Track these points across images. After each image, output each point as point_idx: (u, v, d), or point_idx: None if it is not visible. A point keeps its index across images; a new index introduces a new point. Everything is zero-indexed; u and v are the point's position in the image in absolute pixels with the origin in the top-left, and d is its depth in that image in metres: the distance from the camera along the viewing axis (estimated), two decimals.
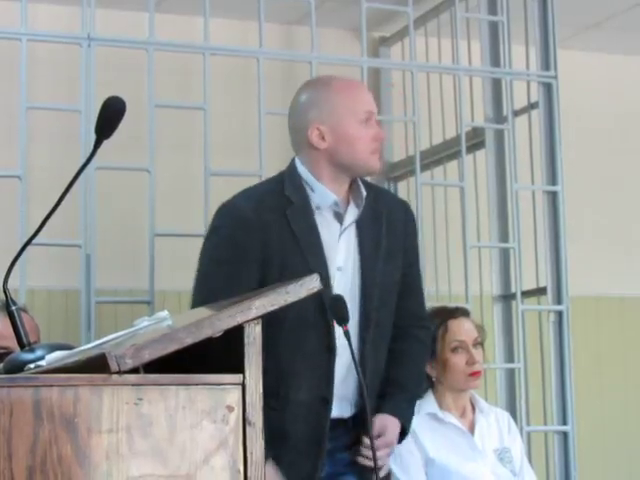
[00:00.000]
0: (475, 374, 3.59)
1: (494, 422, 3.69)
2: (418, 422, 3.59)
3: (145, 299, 3.76)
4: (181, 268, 4.36)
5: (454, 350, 3.60)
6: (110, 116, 1.88)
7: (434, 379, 3.66)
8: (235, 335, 1.56)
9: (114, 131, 1.87)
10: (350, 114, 2.97)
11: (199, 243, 3.80)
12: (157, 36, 3.87)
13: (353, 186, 3.07)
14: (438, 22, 4.63)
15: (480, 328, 3.71)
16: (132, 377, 1.47)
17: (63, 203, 1.90)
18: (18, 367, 1.77)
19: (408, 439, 3.50)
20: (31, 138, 3.73)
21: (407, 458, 3.52)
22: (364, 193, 3.04)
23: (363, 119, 3.01)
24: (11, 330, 1.91)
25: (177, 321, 1.72)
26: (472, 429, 3.63)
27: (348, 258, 3.03)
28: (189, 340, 1.49)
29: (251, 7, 4.07)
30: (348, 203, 3.05)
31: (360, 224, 3.05)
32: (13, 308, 1.90)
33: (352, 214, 3.04)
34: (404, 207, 3.23)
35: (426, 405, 3.63)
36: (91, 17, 3.78)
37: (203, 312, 1.81)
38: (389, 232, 3.09)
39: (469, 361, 3.58)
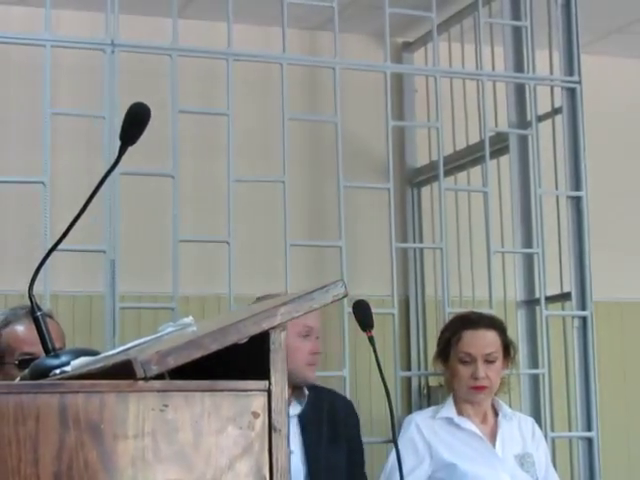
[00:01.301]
0: (477, 388, 3.58)
1: (517, 428, 3.68)
2: (431, 426, 3.59)
3: (169, 305, 3.76)
4: (204, 274, 4.39)
5: (461, 361, 3.60)
6: (135, 122, 1.87)
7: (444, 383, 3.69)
8: (260, 340, 1.56)
9: (139, 137, 1.87)
10: (291, 329, 3.20)
11: (223, 249, 3.82)
12: (180, 42, 3.87)
13: (295, 391, 3.47)
14: (461, 27, 4.62)
15: (508, 344, 3.67)
16: (157, 383, 1.46)
17: (87, 208, 1.90)
18: (43, 373, 1.77)
19: (420, 456, 3.51)
20: (55, 144, 3.74)
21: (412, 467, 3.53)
22: (306, 392, 3.46)
23: (303, 332, 3.41)
24: (37, 336, 1.91)
25: (201, 327, 1.71)
26: (494, 434, 3.62)
27: (294, 445, 3.37)
28: (214, 346, 1.49)
29: (274, 13, 4.08)
30: (290, 403, 3.40)
31: (302, 418, 3.45)
32: (38, 314, 1.90)
33: (295, 409, 3.45)
34: (344, 401, 3.66)
35: (444, 410, 3.63)
36: (115, 23, 3.79)
37: (227, 318, 1.80)
38: (330, 420, 3.51)
39: (473, 375, 3.57)
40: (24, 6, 4.27)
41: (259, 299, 3.39)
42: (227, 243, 3.80)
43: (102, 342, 3.62)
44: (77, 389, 1.44)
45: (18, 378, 1.96)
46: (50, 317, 2.69)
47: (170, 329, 1.75)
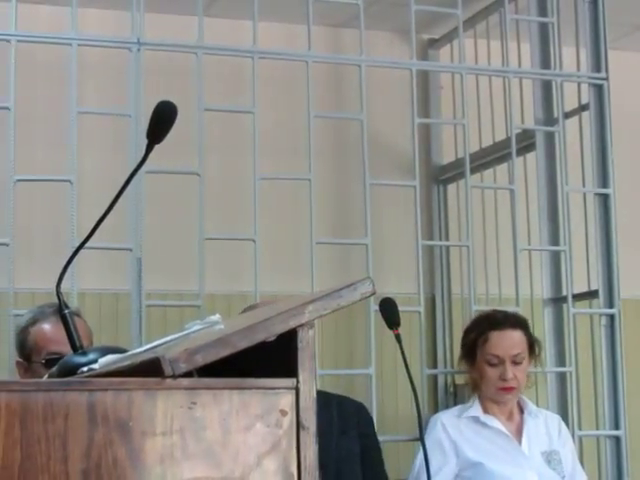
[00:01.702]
0: (506, 390, 3.57)
1: (543, 425, 3.67)
2: (457, 425, 3.58)
3: (195, 303, 3.76)
4: (230, 272, 4.39)
5: (489, 363, 3.58)
6: (162, 120, 1.87)
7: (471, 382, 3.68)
8: (288, 338, 1.55)
9: (166, 135, 1.87)
10: None
11: (248, 247, 3.82)
12: (205, 40, 3.88)
13: None
14: (487, 24, 4.60)
15: (533, 341, 3.66)
16: (186, 381, 1.46)
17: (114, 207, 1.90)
18: (71, 370, 1.78)
19: (445, 449, 3.49)
20: (81, 142, 3.75)
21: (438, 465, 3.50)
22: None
23: None
24: (64, 334, 1.91)
25: (228, 325, 1.71)
26: (519, 432, 3.61)
27: None
28: (242, 344, 1.49)
29: (299, 10, 4.07)
30: None
31: None
32: (66, 312, 1.90)
33: None
34: (354, 401, 3.63)
35: (471, 409, 3.62)
36: (140, 21, 3.80)
37: (255, 316, 1.80)
38: (340, 415, 3.49)
39: (501, 376, 3.55)
40: (50, 5, 4.28)
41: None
42: (253, 241, 3.80)
43: (128, 340, 3.63)
44: (105, 387, 1.45)
45: (46, 376, 1.96)
46: (78, 315, 2.70)
47: (197, 327, 1.75)
